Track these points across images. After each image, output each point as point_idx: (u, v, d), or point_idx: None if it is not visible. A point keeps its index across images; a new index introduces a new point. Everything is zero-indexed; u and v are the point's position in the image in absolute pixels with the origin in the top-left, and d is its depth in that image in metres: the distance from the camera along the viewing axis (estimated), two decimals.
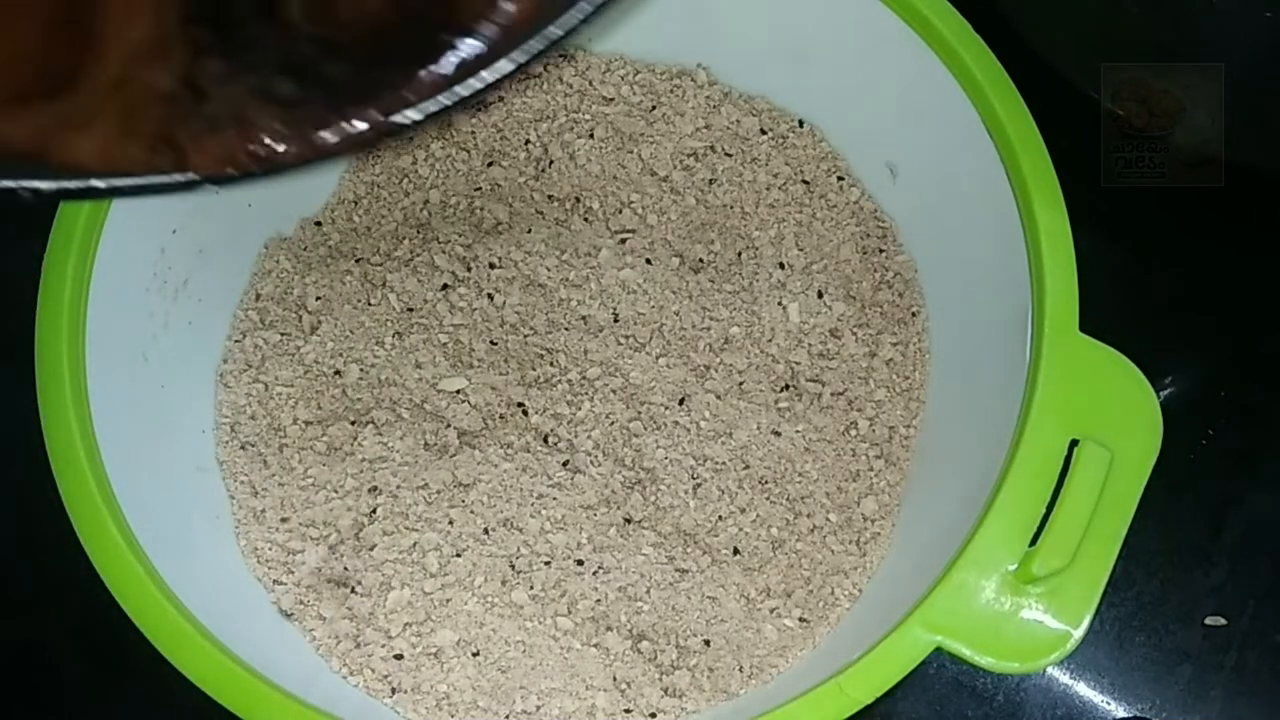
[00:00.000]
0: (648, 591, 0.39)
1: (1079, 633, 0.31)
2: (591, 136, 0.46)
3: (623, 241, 0.45)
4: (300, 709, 0.31)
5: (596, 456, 0.41)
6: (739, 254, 0.45)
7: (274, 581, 0.39)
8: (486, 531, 0.40)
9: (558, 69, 0.47)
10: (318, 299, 0.44)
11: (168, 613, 0.31)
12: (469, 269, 0.44)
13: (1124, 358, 0.34)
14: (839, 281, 0.44)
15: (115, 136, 0.20)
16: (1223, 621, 0.44)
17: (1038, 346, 0.34)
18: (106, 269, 0.36)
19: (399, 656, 0.37)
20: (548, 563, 0.39)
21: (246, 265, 0.44)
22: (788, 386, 0.42)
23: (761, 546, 0.40)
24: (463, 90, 0.20)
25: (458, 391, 0.42)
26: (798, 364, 0.42)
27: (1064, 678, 0.44)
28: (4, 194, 0.19)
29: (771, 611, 0.39)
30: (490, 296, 0.44)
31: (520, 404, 0.42)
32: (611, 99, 0.46)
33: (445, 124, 0.46)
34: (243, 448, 0.41)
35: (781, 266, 0.44)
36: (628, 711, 0.37)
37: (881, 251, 0.44)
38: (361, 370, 0.43)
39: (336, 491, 0.40)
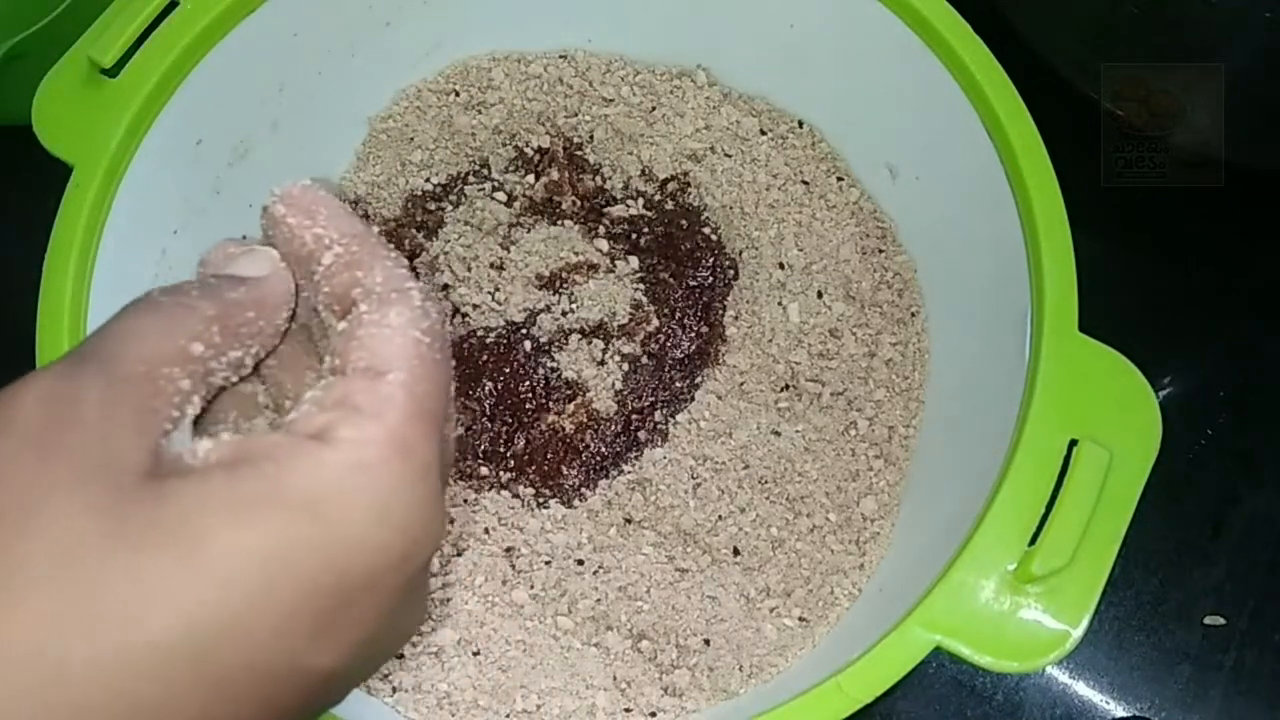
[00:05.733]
0: (648, 591, 0.39)
1: (1078, 632, 0.31)
2: (591, 137, 0.46)
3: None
4: None
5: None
6: (739, 253, 0.45)
7: None
8: (487, 531, 0.40)
9: (558, 69, 0.47)
10: None
11: None
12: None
13: (1123, 358, 0.34)
14: (839, 281, 0.44)
15: None
16: (1222, 621, 0.44)
17: (1037, 346, 0.34)
18: (107, 270, 0.36)
19: (399, 655, 0.37)
20: (548, 562, 0.39)
21: None
22: (787, 386, 0.42)
23: (761, 546, 0.40)
24: None
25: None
26: (797, 364, 0.43)
27: (1063, 677, 0.44)
28: None
29: (771, 611, 0.39)
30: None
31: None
32: (611, 99, 0.46)
33: (445, 123, 0.46)
34: None
35: (781, 267, 0.44)
36: (628, 711, 0.37)
37: (881, 252, 0.44)
38: None
39: None
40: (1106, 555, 0.32)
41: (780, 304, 0.43)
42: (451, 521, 0.40)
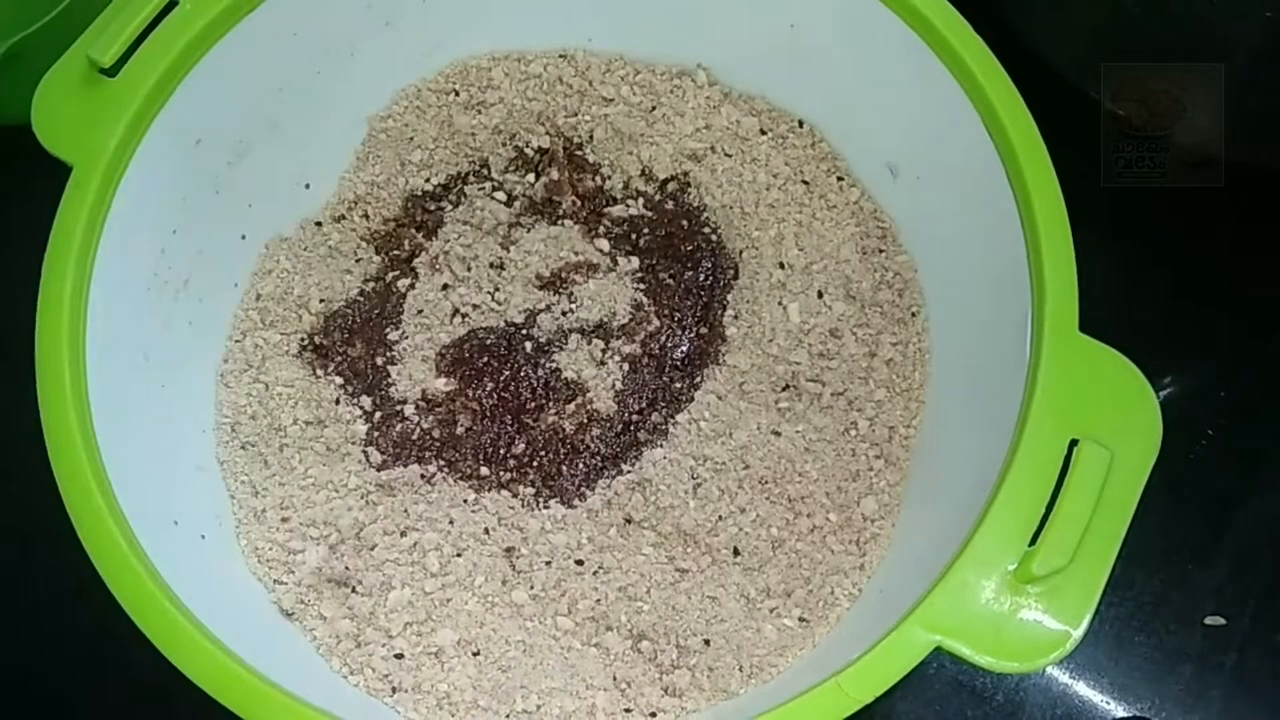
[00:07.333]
0: (648, 591, 0.39)
1: (1078, 632, 0.31)
2: (591, 137, 0.46)
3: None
4: (300, 708, 0.31)
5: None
6: (739, 253, 0.45)
7: (274, 581, 0.39)
8: (487, 531, 0.40)
9: (557, 69, 0.47)
10: (321, 301, 0.44)
11: (168, 612, 0.31)
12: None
13: (1124, 358, 0.34)
14: (839, 281, 0.44)
15: None
16: (1222, 621, 0.44)
17: (1037, 346, 0.34)
18: (107, 269, 0.36)
19: (399, 656, 0.37)
20: (548, 562, 0.39)
21: (247, 265, 0.44)
22: (788, 386, 0.42)
23: (761, 546, 0.40)
24: None
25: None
26: (798, 364, 0.42)
27: (1063, 677, 0.44)
28: None
29: (771, 611, 0.39)
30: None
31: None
32: (611, 99, 0.46)
33: (445, 123, 0.46)
34: (243, 447, 0.41)
35: (782, 266, 0.44)
36: (628, 711, 0.37)
37: (881, 251, 0.44)
38: None
39: (337, 491, 0.40)
40: (1107, 555, 0.32)
41: (780, 304, 0.43)
42: (451, 522, 0.40)
